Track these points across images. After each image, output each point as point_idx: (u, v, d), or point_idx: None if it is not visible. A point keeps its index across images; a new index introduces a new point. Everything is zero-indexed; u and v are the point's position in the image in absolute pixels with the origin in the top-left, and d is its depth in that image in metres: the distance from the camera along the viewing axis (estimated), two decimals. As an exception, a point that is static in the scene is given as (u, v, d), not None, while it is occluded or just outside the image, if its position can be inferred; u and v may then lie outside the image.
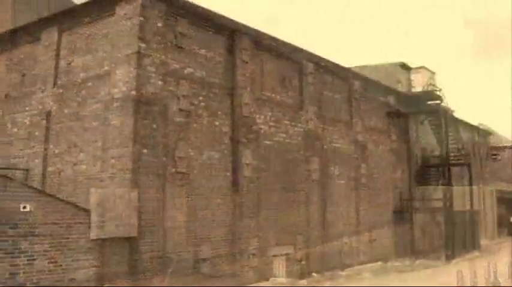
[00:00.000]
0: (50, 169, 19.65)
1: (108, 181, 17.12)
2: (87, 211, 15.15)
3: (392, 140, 32.80)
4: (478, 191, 44.66)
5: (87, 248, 14.98)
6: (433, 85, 36.97)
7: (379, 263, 28.54)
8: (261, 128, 22.22)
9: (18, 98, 22.10)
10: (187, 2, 19.44)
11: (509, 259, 23.04)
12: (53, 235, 14.18)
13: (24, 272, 13.46)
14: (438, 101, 35.27)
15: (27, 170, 20.35)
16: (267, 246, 21.85)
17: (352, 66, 34.35)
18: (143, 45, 17.57)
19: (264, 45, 22.98)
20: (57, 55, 20.52)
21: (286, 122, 23.79)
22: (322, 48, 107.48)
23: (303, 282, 22.15)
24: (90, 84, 18.90)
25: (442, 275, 22.59)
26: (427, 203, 34.85)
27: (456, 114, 41.89)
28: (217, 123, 20.18)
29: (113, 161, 17.18)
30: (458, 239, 32.74)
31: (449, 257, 30.76)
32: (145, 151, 17.11)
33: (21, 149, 21.16)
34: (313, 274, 23.77)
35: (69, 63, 20.02)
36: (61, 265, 14.30)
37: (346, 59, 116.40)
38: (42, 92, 20.75)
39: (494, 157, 54.65)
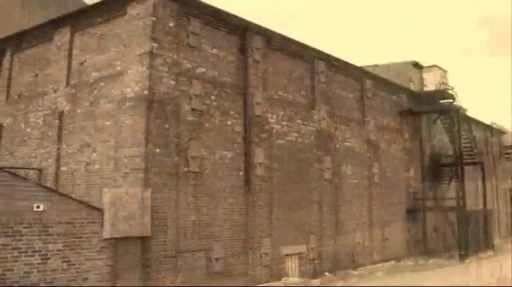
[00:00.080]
0: (63, 168, 19.72)
1: (121, 181, 17.16)
2: (100, 211, 15.20)
3: (404, 139, 32.67)
4: (491, 190, 44.44)
5: (100, 247, 15.03)
6: (446, 84, 36.81)
7: (392, 262, 28.47)
8: (273, 128, 22.20)
9: (31, 98, 22.21)
10: (200, 1, 19.44)
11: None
12: (66, 234, 14.25)
13: (38, 271, 13.55)
14: (451, 100, 35.02)
15: (40, 169, 20.45)
16: (280, 245, 21.83)
17: (364, 65, 34.25)
18: (155, 45, 17.60)
19: (276, 44, 22.96)
20: (70, 55, 20.61)
21: (299, 121, 23.76)
22: (334, 47, 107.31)
23: (316, 281, 22.11)
24: (102, 84, 18.96)
25: (457, 274, 22.41)
26: (440, 202, 34.74)
27: (469, 113, 41.71)
28: (229, 122, 20.17)
29: (125, 160, 17.22)
30: (471, 238, 32.52)
31: (462, 257, 30.55)
32: (157, 150, 17.14)
33: (34, 149, 21.27)
34: (326, 273, 23.74)
35: (82, 63, 20.08)
36: (74, 264, 14.37)
37: (358, 58, 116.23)
38: (55, 92, 20.85)
39: (508, 155, 54.34)
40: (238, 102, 20.66)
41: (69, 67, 20.54)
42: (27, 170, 20.36)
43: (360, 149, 28.14)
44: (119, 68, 18.44)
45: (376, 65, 36.49)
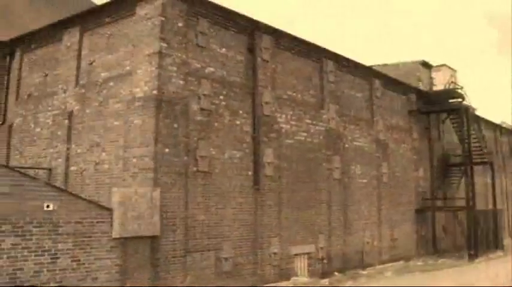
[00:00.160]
0: (72, 168, 19.80)
1: (130, 180, 17.20)
2: (109, 210, 15.22)
3: (413, 139, 32.59)
4: (501, 190, 44.27)
5: (110, 247, 15.05)
6: (455, 83, 36.65)
7: (401, 262, 28.41)
8: (282, 127, 22.19)
9: (41, 98, 22.30)
10: (208, 1, 19.45)
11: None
12: (76, 233, 14.28)
13: (48, 271, 13.59)
14: (460, 99, 34.88)
15: (50, 169, 20.53)
16: (289, 245, 21.81)
17: (373, 64, 34.16)
18: (164, 45, 17.63)
19: (285, 44, 22.96)
20: (79, 55, 20.69)
21: (308, 120, 23.74)
22: (343, 46, 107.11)
23: (325, 281, 22.07)
24: (111, 84, 19.01)
25: (467, 274, 22.38)
26: (450, 202, 34.64)
27: (478, 113, 41.54)
28: (238, 122, 20.18)
29: (134, 160, 17.25)
30: (481, 238, 32.43)
31: (472, 257, 30.50)
32: (167, 150, 17.15)
33: (44, 149, 21.36)
34: (335, 273, 23.71)
35: (91, 63, 20.15)
36: (84, 264, 14.39)
37: (367, 57, 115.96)
38: (64, 92, 20.92)
39: (517, 155, 54.05)
40: (247, 101, 20.66)
41: (78, 67, 20.63)
42: (36, 170, 20.44)
43: (369, 148, 28.08)
44: (128, 68, 18.49)
45: (385, 65, 36.34)
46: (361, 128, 27.63)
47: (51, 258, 13.70)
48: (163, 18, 17.68)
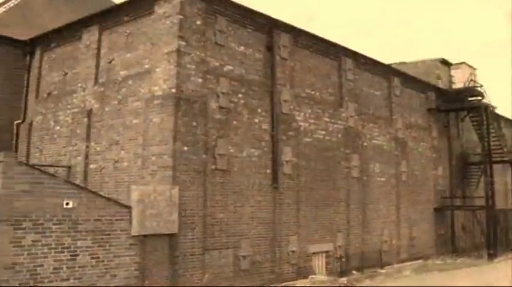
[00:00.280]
0: (91, 166, 19.91)
1: (148, 178, 17.25)
2: (128, 208, 15.30)
3: (433, 137, 32.39)
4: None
5: (129, 244, 15.14)
6: (474, 81, 36.33)
7: (420, 261, 28.23)
8: (300, 125, 22.15)
9: (60, 96, 22.43)
10: (226, -1, 19.49)
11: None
12: (95, 231, 14.39)
13: (67, 267, 13.71)
14: (479, 98, 34.56)
15: (69, 167, 20.66)
16: (307, 243, 21.79)
17: (392, 62, 33.96)
18: (183, 43, 17.66)
19: (303, 42, 22.91)
20: (98, 54, 20.80)
21: (326, 119, 23.68)
22: (361, 44, 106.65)
23: (343, 280, 21.99)
24: (130, 82, 19.09)
25: (486, 274, 22.22)
26: (469, 201, 34.32)
27: (498, 111, 41.15)
28: (256, 120, 20.17)
29: (153, 158, 17.30)
30: (500, 237, 32.16)
31: (491, 256, 30.21)
32: (185, 148, 17.19)
33: (63, 147, 21.50)
34: (353, 271, 23.63)
35: (110, 62, 20.23)
36: (103, 261, 14.50)
37: (386, 55, 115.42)
38: (84, 90, 21.04)
39: (538, 154, 53.45)
40: (265, 100, 20.64)
41: (97, 66, 20.74)
42: (56, 168, 20.58)
43: (388, 147, 27.95)
44: (146, 66, 18.55)
45: (403, 63, 36.11)
46: (379, 126, 27.51)
47: (70, 255, 13.82)
48: (181, 17, 17.72)
